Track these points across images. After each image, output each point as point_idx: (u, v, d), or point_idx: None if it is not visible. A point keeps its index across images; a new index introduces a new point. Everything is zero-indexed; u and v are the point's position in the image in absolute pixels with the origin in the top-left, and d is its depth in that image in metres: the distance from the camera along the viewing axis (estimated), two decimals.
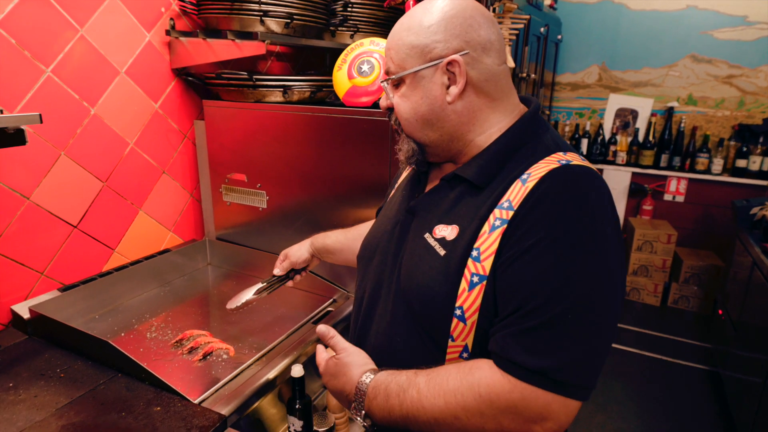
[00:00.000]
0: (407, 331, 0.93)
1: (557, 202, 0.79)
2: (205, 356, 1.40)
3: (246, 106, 1.77)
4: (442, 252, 0.88)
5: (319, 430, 1.39)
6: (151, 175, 1.84)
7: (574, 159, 0.86)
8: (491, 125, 0.93)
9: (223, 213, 1.97)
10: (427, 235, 0.92)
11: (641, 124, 4.11)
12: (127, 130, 1.72)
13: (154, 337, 1.50)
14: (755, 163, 3.65)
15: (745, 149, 3.70)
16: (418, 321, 0.90)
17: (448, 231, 0.89)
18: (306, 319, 1.62)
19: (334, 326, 1.61)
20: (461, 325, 0.84)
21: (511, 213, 0.82)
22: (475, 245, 0.84)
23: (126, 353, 1.23)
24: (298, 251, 1.44)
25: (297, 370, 1.30)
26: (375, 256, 1.07)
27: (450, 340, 0.86)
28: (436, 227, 0.92)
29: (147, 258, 1.80)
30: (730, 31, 3.71)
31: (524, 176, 0.85)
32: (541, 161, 0.86)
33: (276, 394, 1.43)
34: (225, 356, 1.41)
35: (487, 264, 0.82)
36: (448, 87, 0.90)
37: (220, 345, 1.45)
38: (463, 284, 0.83)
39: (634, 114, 4.15)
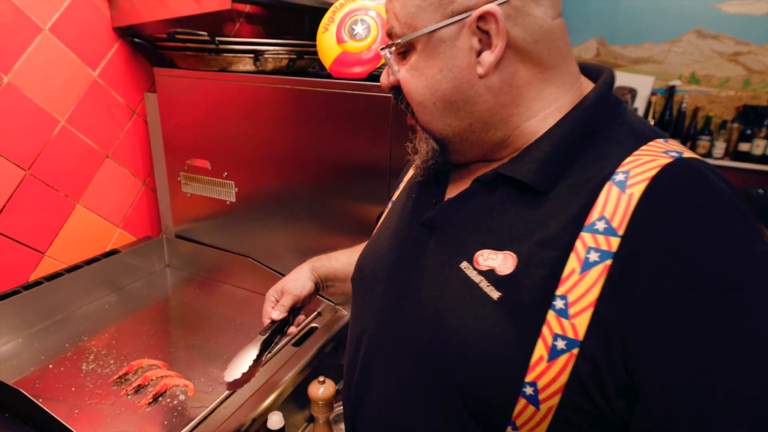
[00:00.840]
0: (432, 406, 0.64)
1: (701, 223, 0.51)
2: (156, 398, 1.10)
3: (208, 75, 1.43)
4: (495, 294, 0.59)
5: None
6: (91, 160, 1.49)
7: (680, 149, 0.58)
8: (545, 104, 0.64)
9: (183, 206, 1.64)
10: (465, 265, 0.63)
11: (640, 104, 3.87)
12: (55, 104, 1.36)
13: (91, 369, 1.18)
14: (759, 147, 3.47)
15: (749, 132, 3.51)
16: (456, 394, 0.62)
17: (498, 261, 0.60)
18: (285, 342, 1.33)
19: (323, 349, 1.33)
20: (531, 409, 0.56)
21: (615, 241, 0.53)
22: (559, 291, 0.55)
23: (42, 406, 0.92)
24: (298, 282, 1.02)
25: (275, 421, 1.01)
26: (376, 282, 0.78)
27: (511, 430, 0.58)
28: (479, 253, 0.62)
29: (89, 262, 1.47)
30: (738, 5, 3.47)
31: (618, 177, 0.56)
32: (637, 152, 0.58)
33: None
34: (182, 396, 1.12)
35: (581, 322, 0.53)
36: (479, 53, 0.61)
37: (176, 381, 1.15)
38: (540, 350, 0.55)
39: (633, 93, 3.90)
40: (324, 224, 1.40)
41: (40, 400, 1.06)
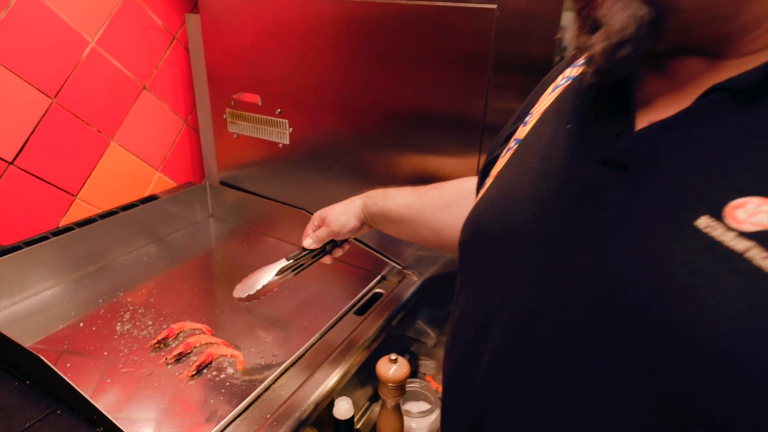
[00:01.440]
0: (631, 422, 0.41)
1: None
2: (200, 369, 0.93)
3: None
4: None
5: None
6: (126, 91, 1.30)
7: None
8: None
9: (228, 149, 1.44)
10: (706, 222, 0.38)
11: None
12: (83, 21, 1.16)
13: (126, 330, 1.02)
14: None
15: None
16: (684, 417, 0.38)
17: None
18: (346, 308, 1.13)
19: (390, 321, 1.13)
20: None
21: None
22: None
23: (65, 377, 0.76)
24: (342, 216, 0.93)
25: (343, 408, 0.82)
26: (512, 246, 0.55)
27: None
28: (736, 204, 0.37)
29: (125, 208, 1.30)
30: None
31: None
32: None
33: None
34: (230, 369, 0.94)
35: None
36: None
37: (223, 350, 0.97)
38: None
39: None
40: (392, 179, 1.17)
41: (68, 365, 0.91)
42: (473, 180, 0.83)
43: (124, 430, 0.70)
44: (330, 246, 1.01)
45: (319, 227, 0.98)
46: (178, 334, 1.01)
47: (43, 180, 1.15)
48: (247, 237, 1.43)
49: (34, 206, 1.15)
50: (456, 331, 0.62)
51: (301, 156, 1.30)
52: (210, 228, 1.48)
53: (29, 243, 1.10)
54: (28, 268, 1.08)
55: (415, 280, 1.23)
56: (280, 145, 1.31)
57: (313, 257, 1.00)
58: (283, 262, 0.96)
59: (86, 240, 1.20)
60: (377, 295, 1.21)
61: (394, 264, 1.24)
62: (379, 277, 1.26)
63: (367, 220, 0.94)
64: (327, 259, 1.02)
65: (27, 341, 0.97)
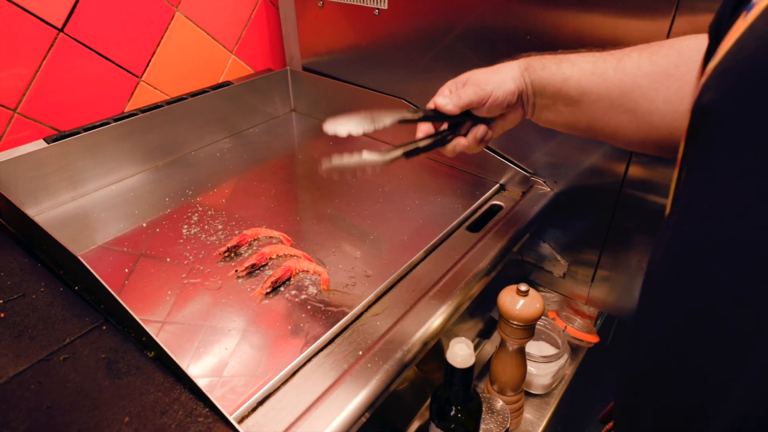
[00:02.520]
0: None
1: None
2: (276, 286, 0.74)
3: None
4: None
5: None
6: None
7: None
8: None
9: (313, 25, 1.17)
10: None
11: None
12: None
13: (193, 234, 0.85)
14: None
15: None
16: None
17: None
18: (457, 222, 0.89)
19: (515, 241, 0.87)
20: None
21: None
22: None
23: (110, 290, 0.59)
24: (495, 76, 0.61)
25: (462, 354, 0.59)
26: None
27: None
28: None
29: (195, 94, 1.11)
30: None
31: None
32: None
33: (410, 383, 0.78)
34: (312, 289, 0.74)
35: None
36: None
37: (305, 265, 0.77)
38: None
39: None
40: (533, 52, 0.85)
41: (125, 270, 0.75)
42: (702, 39, 0.50)
43: (177, 361, 0.53)
44: (468, 124, 0.65)
45: (458, 89, 0.63)
46: (251, 242, 0.83)
47: (99, 54, 0.97)
48: (334, 135, 1.20)
49: (95, 88, 0.98)
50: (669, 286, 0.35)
51: (404, 26, 1.01)
52: (292, 123, 1.27)
53: (88, 128, 0.94)
54: (86, 157, 0.93)
55: (546, 192, 0.94)
56: (376, 11, 1.02)
57: (434, 137, 0.65)
58: (401, 113, 0.62)
59: (152, 130, 1.02)
60: (495, 209, 0.95)
61: (518, 169, 0.95)
62: (496, 186, 0.98)
63: (528, 92, 0.62)
64: (462, 142, 0.64)
65: (81, 241, 0.83)
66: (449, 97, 0.62)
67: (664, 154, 0.54)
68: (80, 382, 0.54)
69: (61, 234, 0.85)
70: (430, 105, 0.63)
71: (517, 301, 0.74)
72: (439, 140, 0.65)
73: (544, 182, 0.94)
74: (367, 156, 0.63)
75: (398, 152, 0.63)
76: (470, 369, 0.60)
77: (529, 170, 0.95)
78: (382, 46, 1.06)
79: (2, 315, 0.62)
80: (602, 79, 0.55)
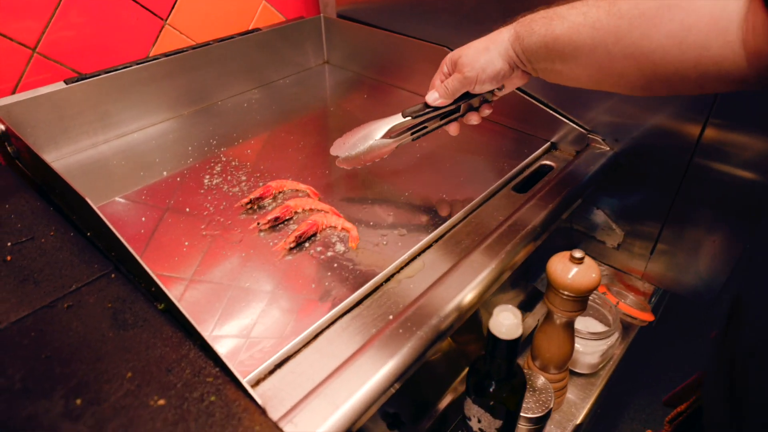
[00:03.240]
0: None
1: None
2: (300, 242, 0.67)
3: None
4: None
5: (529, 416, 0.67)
6: None
7: None
8: None
9: None
10: None
11: None
12: None
13: (215, 185, 0.79)
14: None
15: None
16: None
17: None
18: (502, 181, 0.80)
19: (568, 204, 0.77)
20: None
21: None
22: None
23: (121, 238, 0.54)
24: (482, 56, 0.63)
25: (508, 323, 0.52)
26: None
27: None
28: None
29: (221, 40, 1.04)
30: None
31: None
32: None
33: (443, 354, 0.72)
34: (340, 247, 0.67)
35: None
36: None
37: (333, 221, 0.71)
38: None
39: None
40: None
41: (143, 219, 0.70)
42: None
43: (188, 316, 0.47)
44: (465, 104, 0.70)
45: (447, 76, 0.68)
46: (276, 194, 0.76)
47: None
48: (371, 88, 1.11)
49: (118, 29, 0.93)
50: None
51: None
52: (325, 75, 1.19)
53: (109, 71, 0.89)
54: (108, 102, 0.88)
55: (604, 151, 0.84)
56: None
57: (441, 118, 0.71)
58: (396, 119, 0.69)
59: (177, 76, 0.97)
60: (544, 169, 0.85)
61: (573, 125, 0.85)
62: (547, 144, 0.88)
63: (521, 61, 0.61)
64: (453, 129, 0.73)
65: (100, 189, 0.79)
66: (438, 90, 0.67)
67: (672, 93, 0.52)
68: (83, 332, 0.49)
69: (80, 181, 0.82)
70: (426, 99, 0.68)
71: (570, 269, 0.65)
72: (444, 118, 0.71)
73: (603, 140, 0.84)
74: (375, 142, 0.69)
75: (408, 137, 0.70)
76: (516, 341, 0.53)
77: (586, 127, 0.85)
78: None
79: (8, 258, 0.58)
80: (594, 29, 0.53)
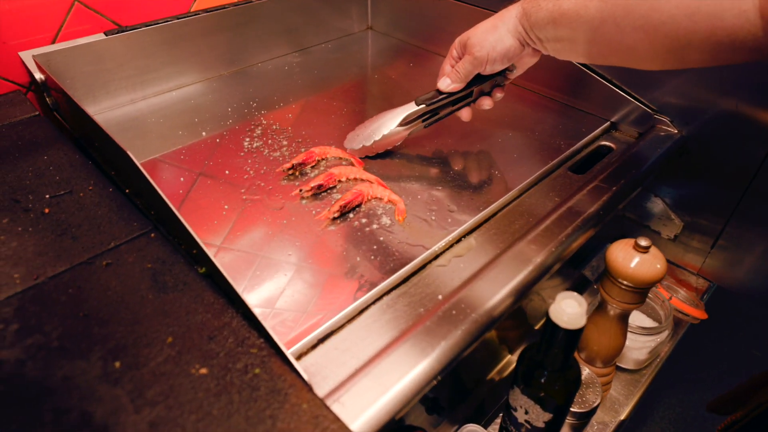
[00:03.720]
0: None
1: None
2: (344, 212, 0.64)
3: None
4: None
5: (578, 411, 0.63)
6: None
7: None
8: None
9: None
10: None
11: None
12: None
13: (255, 148, 0.76)
14: None
15: None
16: None
17: None
18: (558, 160, 0.75)
19: (630, 189, 0.72)
20: None
21: None
22: None
23: (164, 196, 0.51)
24: (491, 35, 0.62)
25: (571, 311, 0.48)
26: None
27: None
28: None
29: None
30: None
31: None
32: None
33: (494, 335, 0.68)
34: (386, 220, 0.64)
35: None
36: None
37: (378, 191, 0.67)
38: None
39: None
40: None
41: (181, 179, 0.68)
42: None
43: (232, 282, 0.45)
44: (477, 89, 0.69)
45: (458, 59, 0.67)
46: (319, 161, 0.73)
47: None
48: (415, 56, 1.06)
49: None
50: None
51: None
52: (367, 42, 1.14)
53: (150, 25, 0.85)
54: (147, 57, 0.85)
55: (671, 133, 0.78)
56: None
57: (454, 103, 0.70)
58: (410, 108, 0.69)
59: (218, 33, 0.93)
60: (603, 150, 0.80)
61: (638, 104, 0.79)
62: (606, 123, 0.82)
63: (531, 38, 0.61)
64: (465, 114, 0.72)
65: (138, 147, 0.76)
66: (450, 76, 0.66)
67: (684, 66, 0.51)
68: (122, 291, 0.47)
69: (117, 138, 0.79)
70: (438, 85, 0.68)
71: (633, 258, 0.60)
72: (457, 102, 0.70)
73: (671, 122, 0.78)
74: (389, 131, 0.70)
75: (420, 125, 0.71)
76: (577, 332, 0.48)
77: (653, 106, 0.79)
78: None
79: (47, 210, 0.56)
80: (603, 2, 0.52)
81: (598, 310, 0.69)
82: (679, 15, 0.46)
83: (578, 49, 0.58)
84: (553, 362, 0.53)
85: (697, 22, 0.45)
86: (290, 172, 0.70)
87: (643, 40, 0.51)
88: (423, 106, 0.68)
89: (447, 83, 0.67)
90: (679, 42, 0.48)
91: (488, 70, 0.65)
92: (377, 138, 0.70)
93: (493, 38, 0.62)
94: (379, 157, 0.74)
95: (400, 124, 0.69)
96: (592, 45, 0.56)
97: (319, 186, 0.66)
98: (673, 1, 0.46)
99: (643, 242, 0.60)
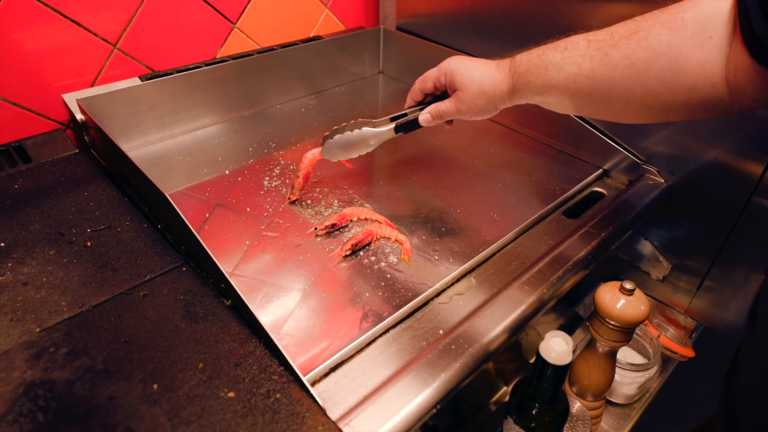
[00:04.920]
0: None
1: None
2: (355, 250, 0.70)
3: None
4: None
5: None
6: None
7: None
8: None
9: None
10: None
11: None
12: None
13: (274, 187, 0.83)
14: None
15: None
16: None
17: None
18: (553, 205, 0.81)
19: (619, 234, 0.78)
20: None
21: None
22: None
23: (197, 234, 0.57)
24: (479, 100, 0.66)
25: (559, 349, 0.53)
26: None
27: None
28: None
29: (284, 46, 1.08)
30: None
31: None
32: None
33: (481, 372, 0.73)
34: (393, 258, 0.70)
35: None
36: None
37: (387, 231, 0.73)
38: None
39: None
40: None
41: (206, 215, 0.74)
42: (706, 2, 0.48)
43: (257, 315, 0.50)
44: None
45: (444, 86, 0.69)
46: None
47: None
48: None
49: (191, 30, 0.97)
50: None
51: None
52: (378, 86, 1.22)
53: (181, 71, 0.93)
54: (177, 99, 0.93)
55: (658, 183, 0.84)
56: None
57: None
58: (389, 133, 0.73)
59: (241, 78, 1.01)
60: (595, 195, 0.86)
61: (627, 154, 0.85)
62: (599, 171, 0.89)
63: (512, 103, 0.66)
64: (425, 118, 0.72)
65: (165, 182, 0.83)
66: (431, 113, 0.70)
67: (663, 121, 0.57)
68: (158, 320, 0.53)
69: (147, 173, 0.86)
70: (420, 120, 0.71)
71: (619, 300, 0.66)
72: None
73: (658, 172, 0.84)
74: (366, 150, 0.73)
75: (391, 126, 0.72)
76: (565, 367, 0.54)
77: (641, 157, 0.85)
78: (487, 7, 0.98)
79: (89, 243, 0.62)
80: (589, 79, 0.56)
81: (588, 347, 0.74)
82: (660, 89, 0.52)
83: (560, 110, 0.63)
84: (543, 395, 0.58)
85: (675, 94, 0.51)
86: (323, 232, 0.73)
87: (628, 107, 0.57)
88: (402, 133, 0.72)
89: (427, 119, 0.70)
90: (660, 108, 0.54)
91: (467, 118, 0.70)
92: (354, 156, 0.74)
93: (481, 103, 0.66)
94: (384, 196, 0.81)
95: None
96: (578, 109, 0.61)
97: (333, 225, 0.73)
98: (653, 78, 0.52)
99: (628, 285, 0.65)
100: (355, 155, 0.74)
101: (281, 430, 0.43)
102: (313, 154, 0.77)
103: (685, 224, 0.85)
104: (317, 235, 0.73)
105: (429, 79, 0.71)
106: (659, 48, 0.50)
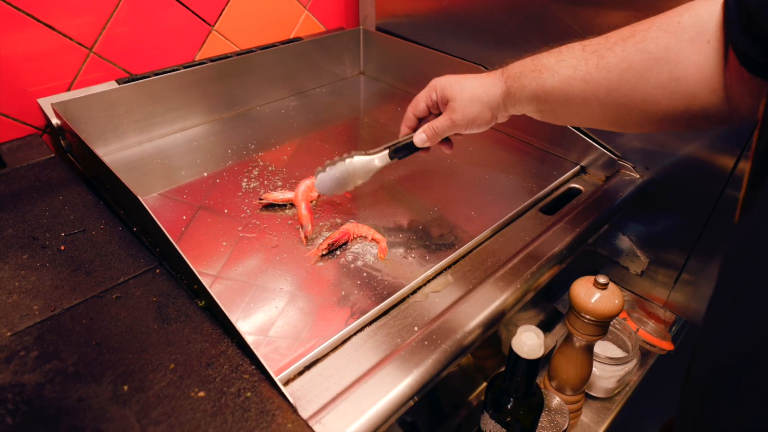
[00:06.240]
0: None
1: None
2: (332, 249, 0.70)
3: None
4: None
5: None
6: None
7: None
8: None
9: None
10: None
11: None
12: None
13: (252, 189, 0.83)
14: None
15: None
16: None
17: None
18: (530, 202, 0.81)
19: (595, 229, 0.79)
20: None
21: None
22: None
23: (169, 237, 0.57)
24: (474, 106, 0.64)
25: (530, 343, 0.54)
26: None
27: None
28: None
29: (264, 48, 1.08)
30: None
31: None
32: None
33: (460, 368, 0.74)
34: (369, 257, 0.70)
35: None
36: None
37: (363, 230, 0.73)
38: None
39: None
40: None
41: (183, 217, 0.74)
42: (700, 5, 0.48)
43: (228, 314, 0.50)
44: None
45: (436, 103, 0.68)
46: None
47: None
48: (403, 99, 1.14)
49: (168, 33, 0.97)
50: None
51: None
52: (360, 86, 1.22)
53: (159, 74, 0.93)
54: (155, 102, 0.93)
55: (634, 178, 0.85)
56: None
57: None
58: (383, 159, 0.70)
59: (220, 80, 1.01)
60: (572, 192, 0.87)
61: (604, 151, 0.86)
62: (576, 167, 0.90)
63: (507, 111, 0.64)
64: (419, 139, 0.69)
65: (143, 185, 0.83)
66: (426, 132, 0.67)
67: (661, 131, 0.58)
68: (130, 322, 0.53)
69: (124, 177, 0.85)
70: (414, 140, 0.69)
71: (593, 294, 0.66)
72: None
73: (634, 167, 0.85)
74: (360, 181, 0.70)
75: (384, 152, 0.70)
76: (536, 361, 0.54)
77: (617, 153, 0.86)
78: (465, 7, 0.99)
79: (62, 248, 0.62)
80: (585, 82, 0.54)
81: (565, 342, 0.74)
82: (658, 94, 0.50)
83: (557, 119, 0.62)
84: (516, 389, 0.58)
85: (674, 101, 0.49)
86: (326, 251, 0.70)
87: (625, 114, 0.54)
88: (398, 159, 0.70)
89: (422, 139, 0.68)
90: (658, 116, 0.51)
91: (463, 133, 0.68)
92: (349, 189, 0.71)
93: (475, 110, 0.64)
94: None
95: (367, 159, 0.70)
96: (573, 117, 0.60)
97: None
98: (651, 82, 0.49)
99: (602, 279, 0.66)
100: (350, 187, 0.71)
101: (250, 428, 0.43)
102: (306, 185, 0.77)
103: (661, 218, 0.86)
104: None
105: (420, 100, 0.69)
106: (657, 51, 0.49)
